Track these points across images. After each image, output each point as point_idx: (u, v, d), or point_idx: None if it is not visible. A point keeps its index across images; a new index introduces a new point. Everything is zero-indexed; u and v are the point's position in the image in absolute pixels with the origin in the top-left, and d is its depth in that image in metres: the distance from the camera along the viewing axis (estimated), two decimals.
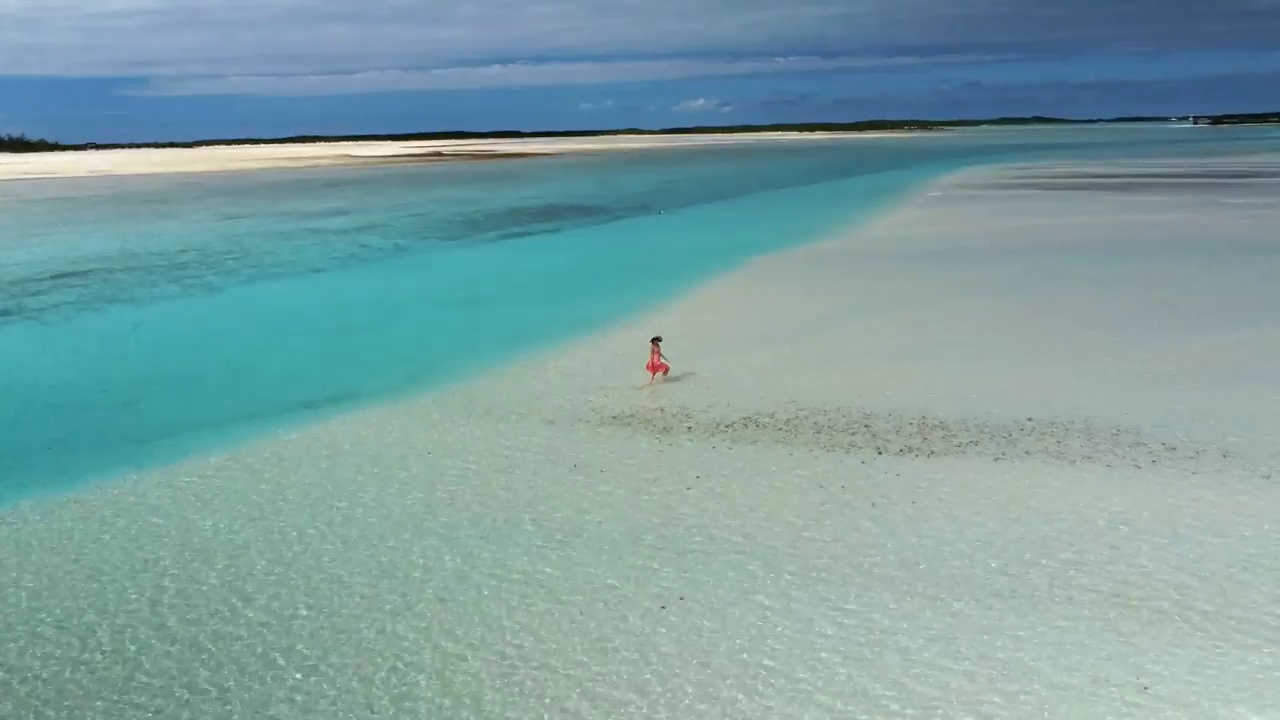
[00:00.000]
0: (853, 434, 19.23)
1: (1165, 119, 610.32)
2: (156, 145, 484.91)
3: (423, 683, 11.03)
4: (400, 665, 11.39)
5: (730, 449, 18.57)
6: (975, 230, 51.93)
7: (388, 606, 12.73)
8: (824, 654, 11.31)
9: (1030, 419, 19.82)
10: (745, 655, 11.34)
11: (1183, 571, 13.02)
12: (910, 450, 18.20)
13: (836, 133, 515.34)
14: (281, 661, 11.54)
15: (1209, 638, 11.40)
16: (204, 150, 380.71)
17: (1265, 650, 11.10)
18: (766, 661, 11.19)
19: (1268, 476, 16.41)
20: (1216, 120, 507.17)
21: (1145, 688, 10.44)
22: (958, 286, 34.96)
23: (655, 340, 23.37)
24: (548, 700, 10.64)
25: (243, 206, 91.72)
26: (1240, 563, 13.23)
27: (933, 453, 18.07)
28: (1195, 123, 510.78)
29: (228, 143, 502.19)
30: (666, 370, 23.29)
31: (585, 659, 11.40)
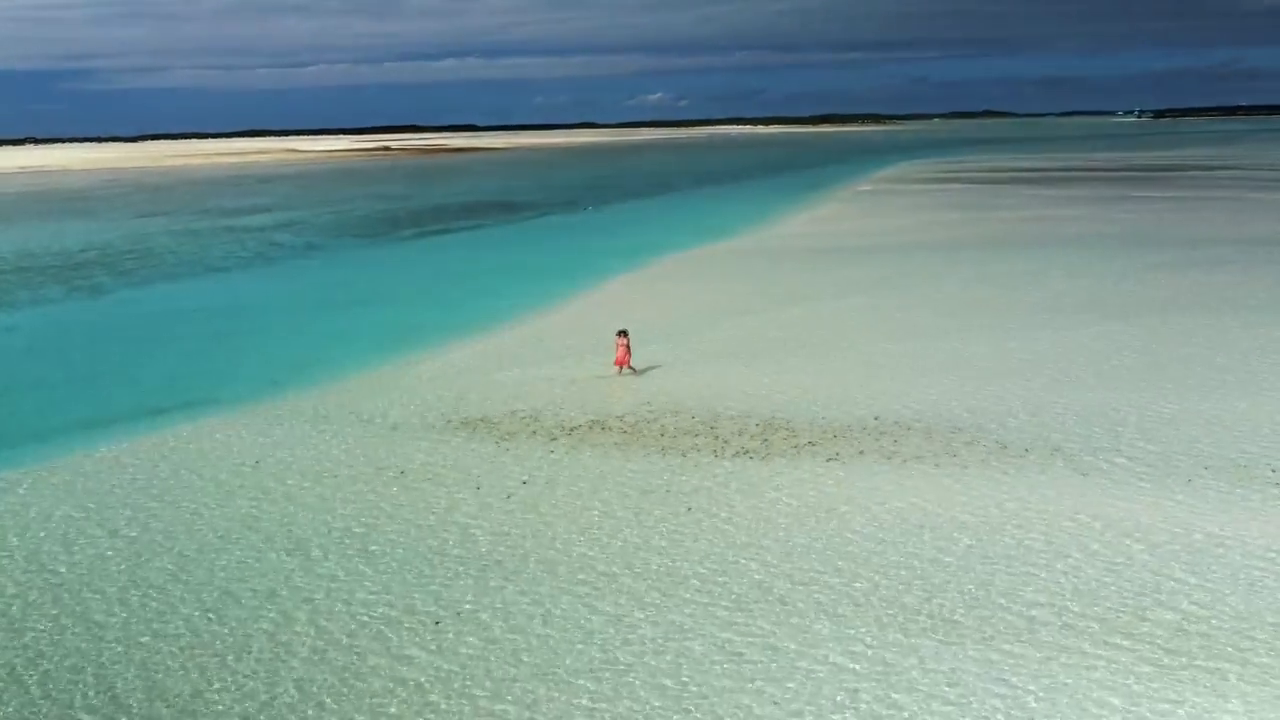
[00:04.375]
0: (696, 436, 19.09)
1: (1111, 113, 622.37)
2: (99, 139, 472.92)
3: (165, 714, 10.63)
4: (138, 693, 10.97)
5: (567, 454, 18.31)
6: (884, 228, 52.24)
7: (144, 638, 12.29)
8: (573, 658, 11.09)
9: (876, 418, 19.82)
10: (497, 666, 11.08)
11: (965, 572, 13.00)
12: (747, 452, 18.08)
13: (791, 126, 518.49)
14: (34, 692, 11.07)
15: (1006, 640, 11.36)
16: (144, 145, 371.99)
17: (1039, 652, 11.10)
18: (512, 669, 10.94)
19: (1085, 475, 16.54)
20: (1158, 114, 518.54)
21: (951, 689, 10.37)
22: (844, 285, 35.02)
23: (622, 333, 23.46)
24: None
25: (163, 204, 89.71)
26: (1025, 560, 13.26)
27: (769, 454, 17.96)
28: (1140, 116, 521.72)
29: (173, 137, 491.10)
30: (625, 364, 23.37)
31: (338, 682, 11.07)
